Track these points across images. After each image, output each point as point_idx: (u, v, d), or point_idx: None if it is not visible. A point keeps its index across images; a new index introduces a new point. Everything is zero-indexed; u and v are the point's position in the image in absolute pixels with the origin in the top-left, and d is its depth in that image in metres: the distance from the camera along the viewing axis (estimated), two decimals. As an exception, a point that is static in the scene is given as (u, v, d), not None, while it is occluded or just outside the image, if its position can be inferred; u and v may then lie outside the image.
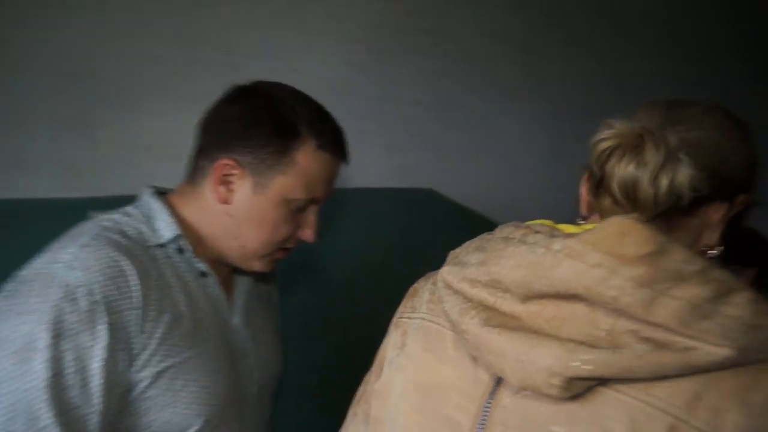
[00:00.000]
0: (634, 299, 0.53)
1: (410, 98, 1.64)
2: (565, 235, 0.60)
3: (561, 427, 0.58)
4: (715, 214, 0.68)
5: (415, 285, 0.80)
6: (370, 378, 0.81)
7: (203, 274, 0.88)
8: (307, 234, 0.92)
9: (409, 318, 0.76)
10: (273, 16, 1.47)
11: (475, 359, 0.65)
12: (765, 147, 0.73)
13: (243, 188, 0.86)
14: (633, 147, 0.62)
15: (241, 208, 0.87)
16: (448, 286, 0.67)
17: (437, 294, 0.71)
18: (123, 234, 0.82)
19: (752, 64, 2.20)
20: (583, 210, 0.72)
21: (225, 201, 0.87)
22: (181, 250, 0.86)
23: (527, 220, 0.69)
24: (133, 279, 0.77)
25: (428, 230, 1.65)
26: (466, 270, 0.65)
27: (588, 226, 0.62)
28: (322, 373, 1.42)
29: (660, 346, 0.53)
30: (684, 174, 0.61)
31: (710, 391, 0.53)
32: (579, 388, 0.56)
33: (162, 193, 0.91)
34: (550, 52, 1.82)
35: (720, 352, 0.51)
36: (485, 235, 0.70)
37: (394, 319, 0.80)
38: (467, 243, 0.71)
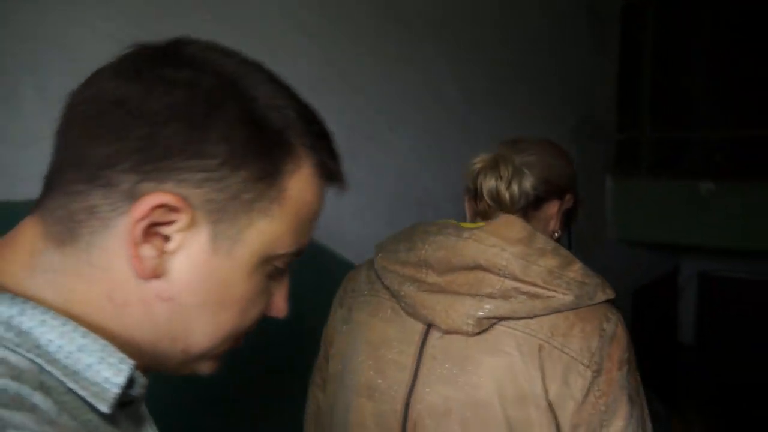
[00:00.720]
0: (515, 266, 0.84)
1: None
2: (470, 228, 0.89)
3: (473, 352, 0.87)
4: (553, 208, 1.00)
5: (350, 273, 1.05)
6: (319, 359, 1.06)
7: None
8: (280, 306, 0.56)
9: (353, 297, 1.00)
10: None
11: (410, 314, 0.91)
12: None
13: (191, 247, 0.47)
14: (492, 167, 0.95)
15: (188, 285, 0.47)
16: (384, 268, 0.94)
17: (373, 276, 0.98)
18: (35, 414, 0.40)
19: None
20: (469, 216, 1.02)
21: (154, 273, 0.46)
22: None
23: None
24: None
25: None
26: (398, 255, 0.93)
27: (481, 223, 0.92)
28: None
29: (532, 296, 0.84)
30: (527, 181, 0.94)
31: (561, 323, 0.85)
32: (484, 325, 0.85)
33: None
34: (345, 64, 1.71)
35: (566, 297, 0.84)
36: (406, 230, 0.97)
37: (338, 300, 1.04)
38: (391, 237, 0.98)
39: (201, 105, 0.45)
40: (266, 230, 0.49)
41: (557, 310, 0.84)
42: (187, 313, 0.48)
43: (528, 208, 0.96)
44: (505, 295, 0.84)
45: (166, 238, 0.46)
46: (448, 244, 0.87)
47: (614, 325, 0.86)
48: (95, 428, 0.43)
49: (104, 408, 0.43)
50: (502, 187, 0.93)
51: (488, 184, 0.93)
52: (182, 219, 0.45)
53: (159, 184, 0.44)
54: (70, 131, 0.47)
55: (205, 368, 0.54)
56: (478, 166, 0.96)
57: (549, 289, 0.83)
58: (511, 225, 0.88)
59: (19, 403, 0.39)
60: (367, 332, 0.94)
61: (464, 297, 0.85)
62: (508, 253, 0.84)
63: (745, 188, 2.85)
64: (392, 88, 1.84)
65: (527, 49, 2.42)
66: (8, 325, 0.42)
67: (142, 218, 0.44)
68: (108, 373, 0.44)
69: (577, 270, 0.86)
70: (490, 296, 0.84)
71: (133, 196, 0.44)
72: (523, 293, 0.84)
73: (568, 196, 1.02)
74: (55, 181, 0.47)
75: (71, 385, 0.43)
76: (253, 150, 0.47)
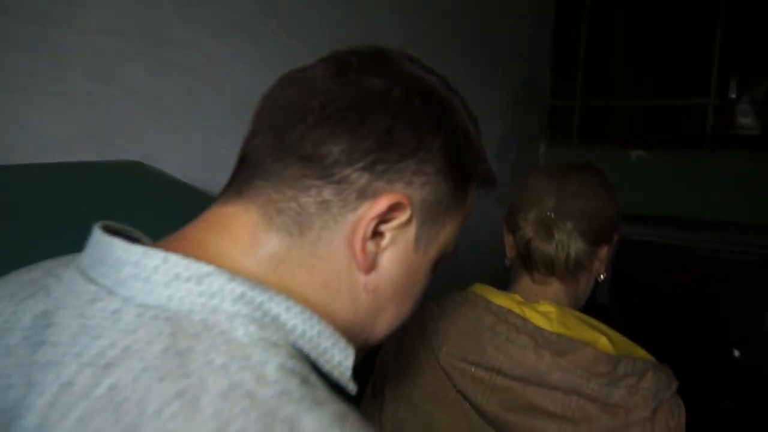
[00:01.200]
0: (600, 393, 0.85)
1: (99, 26, 1.13)
2: (551, 350, 0.87)
3: None
4: (602, 253, 0.98)
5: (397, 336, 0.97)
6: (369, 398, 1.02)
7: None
8: None
9: (405, 374, 0.95)
10: None
11: (488, 423, 0.90)
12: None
13: (399, 243, 0.52)
14: (545, 235, 0.94)
15: (390, 278, 0.52)
16: (452, 367, 0.91)
17: (433, 362, 0.93)
18: (311, 386, 0.42)
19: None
20: (508, 251, 1.01)
21: (372, 267, 0.51)
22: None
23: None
24: None
25: (138, 208, 1.23)
26: (467, 356, 0.90)
27: (553, 317, 0.90)
28: None
29: (614, 414, 0.84)
30: (579, 247, 0.93)
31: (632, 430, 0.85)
32: None
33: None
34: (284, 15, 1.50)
35: (644, 413, 0.83)
36: (465, 315, 0.94)
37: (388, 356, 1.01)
38: (446, 319, 0.94)
39: (432, 114, 0.50)
40: (449, 232, 0.55)
41: (634, 424, 0.84)
42: (382, 304, 0.52)
43: (579, 266, 0.95)
44: (587, 417, 0.84)
45: (381, 234, 0.50)
46: (526, 363, 0.86)
47: (677, 418, 0.86)
48: None
49: (353, 389, 0.47)
50: (559, 255, 0.92)
51: (543, 252, 0.93)
52: (401, 218, 0.50)
53: (388, 185, 0.49)
54: (297, 124, 0.48)
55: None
56: (529, 234, 0.94)
57: (629, 409, 0.83)
58: (599, 360, 0.86)
59: (310, 385, 0.39)
60: (436, 426, 0.92)
61: (547, 421, 0.84)
62: (593, 383, 0.84)
63: (674, 156, 2.91)
64: (324, 50, 1.65)
65: (466, 11, 2.29)
66: (264, 312, 0.43)
67: (378, 216, 0.48)
68: (340, 357, 0.47)
69: (648, 378, 0.85)
70: (572, 419, 0.84)
71: (365, 195, 0.48)
72: (604, 412, 0.84)
73: (615, 237, 0.99)
74: (266, 172, 0.49)
75: (326, 367, 0.46)
76: (461, 159, 0.53)
